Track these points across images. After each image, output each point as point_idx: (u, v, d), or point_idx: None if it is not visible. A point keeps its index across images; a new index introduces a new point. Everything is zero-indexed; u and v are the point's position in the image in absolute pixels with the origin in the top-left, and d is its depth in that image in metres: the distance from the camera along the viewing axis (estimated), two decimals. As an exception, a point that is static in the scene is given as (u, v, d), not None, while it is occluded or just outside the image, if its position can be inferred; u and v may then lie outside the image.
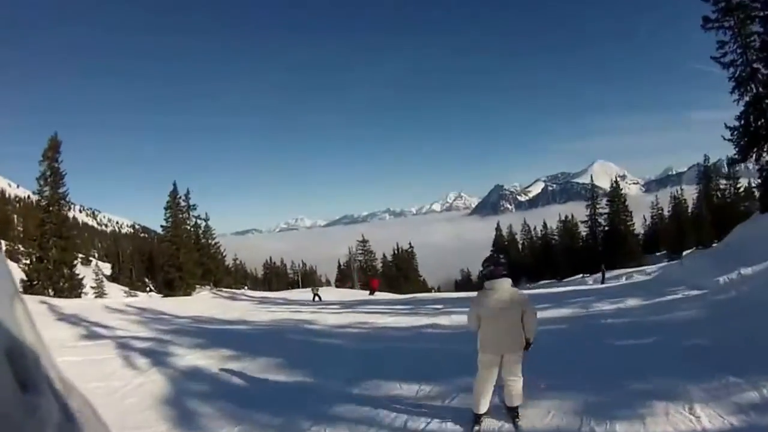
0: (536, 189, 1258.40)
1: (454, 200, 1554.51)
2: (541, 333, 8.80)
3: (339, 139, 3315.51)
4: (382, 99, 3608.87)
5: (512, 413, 8.15)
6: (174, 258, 52.83)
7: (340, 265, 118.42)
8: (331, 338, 18.44)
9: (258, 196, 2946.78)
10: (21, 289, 22.08)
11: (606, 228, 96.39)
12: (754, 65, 34.03)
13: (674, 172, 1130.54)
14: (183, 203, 58.69)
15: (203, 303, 37.80)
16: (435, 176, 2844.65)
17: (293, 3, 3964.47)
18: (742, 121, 35.06)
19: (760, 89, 33.97)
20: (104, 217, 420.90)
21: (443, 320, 20.09)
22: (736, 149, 35.89)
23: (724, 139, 35.87)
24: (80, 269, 46.96)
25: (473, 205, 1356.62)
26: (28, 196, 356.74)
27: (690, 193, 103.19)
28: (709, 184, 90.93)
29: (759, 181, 39.16)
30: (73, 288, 42.66)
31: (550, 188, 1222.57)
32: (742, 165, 40.87)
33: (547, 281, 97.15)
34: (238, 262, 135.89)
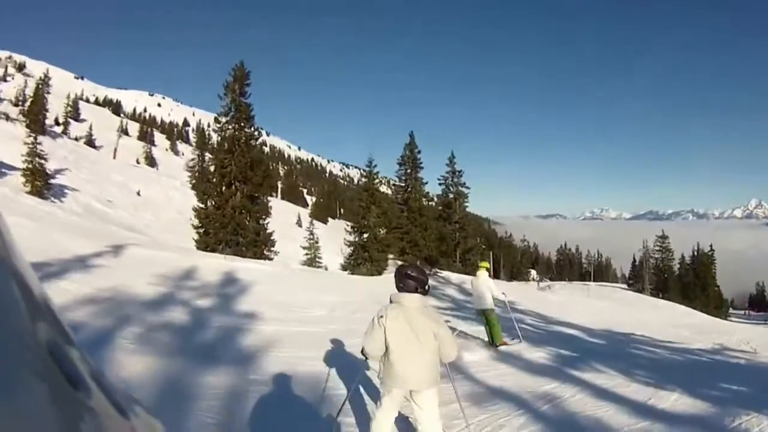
0: None
1: (755, 208, 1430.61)
2: None
3: (649, 133, 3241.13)
4: (686, 97, 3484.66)
5: None
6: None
7: (634, 261, 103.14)
8: None
9: (568, 181, 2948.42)
10: (195, 238, 32.55)
11: None
12: None
13: None
14: (448, 168, 52.09)
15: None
16: (738, 180, 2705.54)
17: None
18: None
19: None
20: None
21: None
22: None
23: None
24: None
25: None
26: (312, 159, 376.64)
27: None
28: None
29: None
30: (255, 244, 34.36)
31: None
32: None
33: None
34: (526, 244, 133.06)
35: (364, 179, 43.86)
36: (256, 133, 36.42)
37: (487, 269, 15.97)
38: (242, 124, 35.24)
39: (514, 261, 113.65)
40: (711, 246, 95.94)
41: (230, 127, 35.13)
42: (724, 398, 9.95)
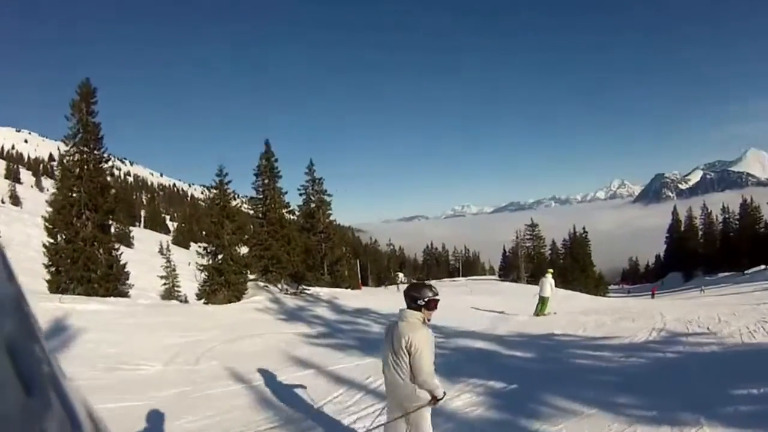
0: (695, 177, 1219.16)
1: (618, 188, 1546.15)
2: None
3: (505, 125, 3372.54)
4: (544, 85, 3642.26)
5: None
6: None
7: (505, 252, 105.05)
8: None
9: (427, 182, 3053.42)
10: (47, 279, 29.24)
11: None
12: None
13: None
14: (307, 177, 51.17)
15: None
16: (599, 163, 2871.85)
17: None
18: None
19: None
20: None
21: None
22: None
23: None
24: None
25: (636, 193, 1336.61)
26: (174, 184, 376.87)
27: None
28: None
29: None
30: (107, 279, 29.99)
31: (708, 176, 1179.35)
32: None
33: (726, 274, 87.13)
34: (392, 247, 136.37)
35: (214, 191, 36.89)
36: (105, 155, 32.49)
37: (552, 273, 26.77)
38: (91, 146, 31.33)
39: (381, 266, 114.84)
40: (584, 228, 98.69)
41: (78, 150, 31.05)
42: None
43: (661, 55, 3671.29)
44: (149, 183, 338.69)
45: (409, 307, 5.87)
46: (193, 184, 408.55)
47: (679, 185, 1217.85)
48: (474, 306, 29.40)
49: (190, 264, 33.33)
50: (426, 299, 5.87)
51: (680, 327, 17.24)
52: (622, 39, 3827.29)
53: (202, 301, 32.06)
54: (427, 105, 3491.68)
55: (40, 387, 0.67)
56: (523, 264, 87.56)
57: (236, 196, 38.35)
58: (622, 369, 11.85)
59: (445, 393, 5.98)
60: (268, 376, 12.08)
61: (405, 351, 5.61)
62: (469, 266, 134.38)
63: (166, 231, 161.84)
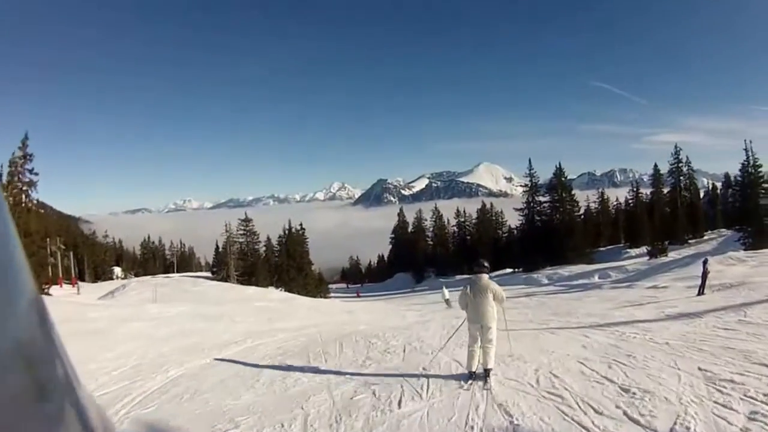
0: (420, 185, 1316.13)
1: (338, 190, 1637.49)
2: None
3: (226, 121, 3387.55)
4: (264, 85, 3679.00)
5: (487, 372, 10.23)
6: None
7: (217, 248, 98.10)
8: None
9: (150, 175, 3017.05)
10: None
11: (544, 219, 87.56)
12: None
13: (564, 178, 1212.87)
14: (20, 150, 46.60)
15: None
16: (319, 166, 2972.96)
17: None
18: None
19: None
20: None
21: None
22: None
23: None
24: None
25: (356, 196, 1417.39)
26: None
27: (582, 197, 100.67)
28: (659, 187, 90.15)
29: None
30: None
31: (434, 185, 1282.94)
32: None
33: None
34: (110, 240, 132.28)
35: None
36: None
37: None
38: None
39: (98, 260, 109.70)
40: (301, 225, 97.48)
41: None
42: None
43: (385, 71, 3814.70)
44: None
45: (480, 272, 10.99)
46: None
47: (402, 191, 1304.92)
48: (160, 318, 25.05)
49: None
50: (488, 267, 11.35)
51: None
52: (350, 53, 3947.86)
53: None
54: (145, 97, 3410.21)
55: (55, 392, 0.69)
56: (233, 261, 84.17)
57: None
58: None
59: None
60: None
61: (490, 291, 10.60)
62: (185, 262, 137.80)
63: None
